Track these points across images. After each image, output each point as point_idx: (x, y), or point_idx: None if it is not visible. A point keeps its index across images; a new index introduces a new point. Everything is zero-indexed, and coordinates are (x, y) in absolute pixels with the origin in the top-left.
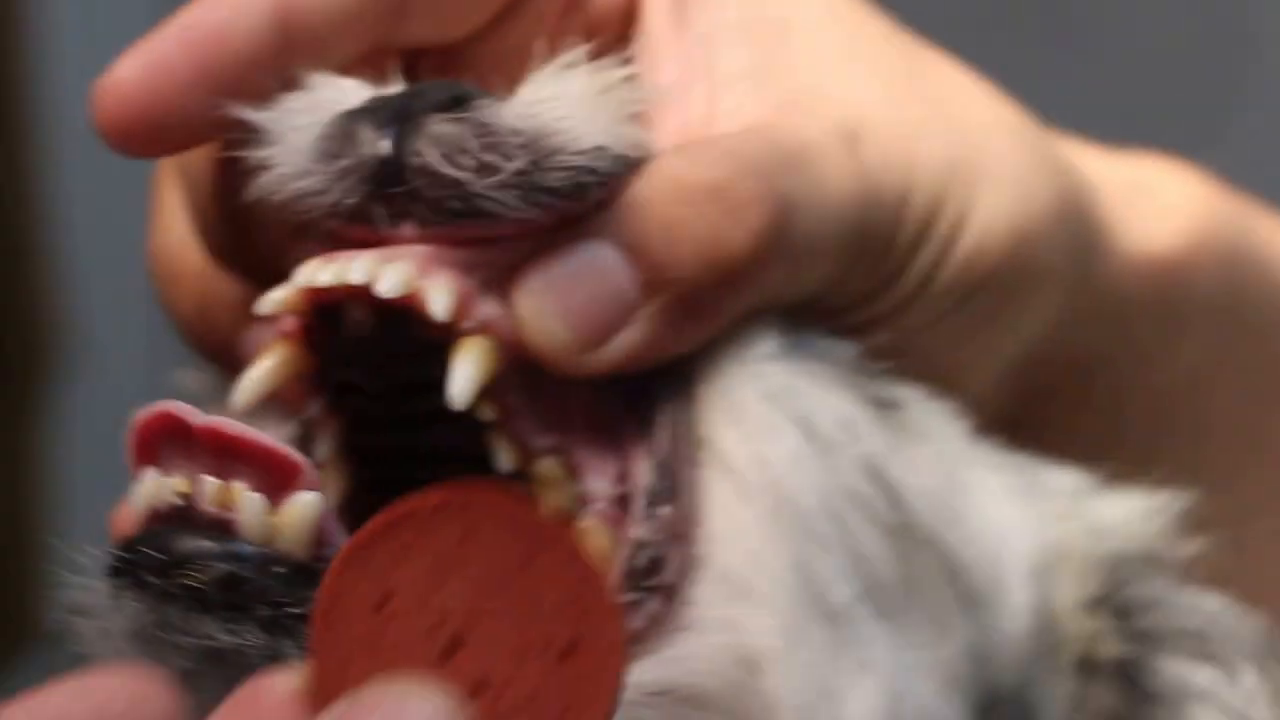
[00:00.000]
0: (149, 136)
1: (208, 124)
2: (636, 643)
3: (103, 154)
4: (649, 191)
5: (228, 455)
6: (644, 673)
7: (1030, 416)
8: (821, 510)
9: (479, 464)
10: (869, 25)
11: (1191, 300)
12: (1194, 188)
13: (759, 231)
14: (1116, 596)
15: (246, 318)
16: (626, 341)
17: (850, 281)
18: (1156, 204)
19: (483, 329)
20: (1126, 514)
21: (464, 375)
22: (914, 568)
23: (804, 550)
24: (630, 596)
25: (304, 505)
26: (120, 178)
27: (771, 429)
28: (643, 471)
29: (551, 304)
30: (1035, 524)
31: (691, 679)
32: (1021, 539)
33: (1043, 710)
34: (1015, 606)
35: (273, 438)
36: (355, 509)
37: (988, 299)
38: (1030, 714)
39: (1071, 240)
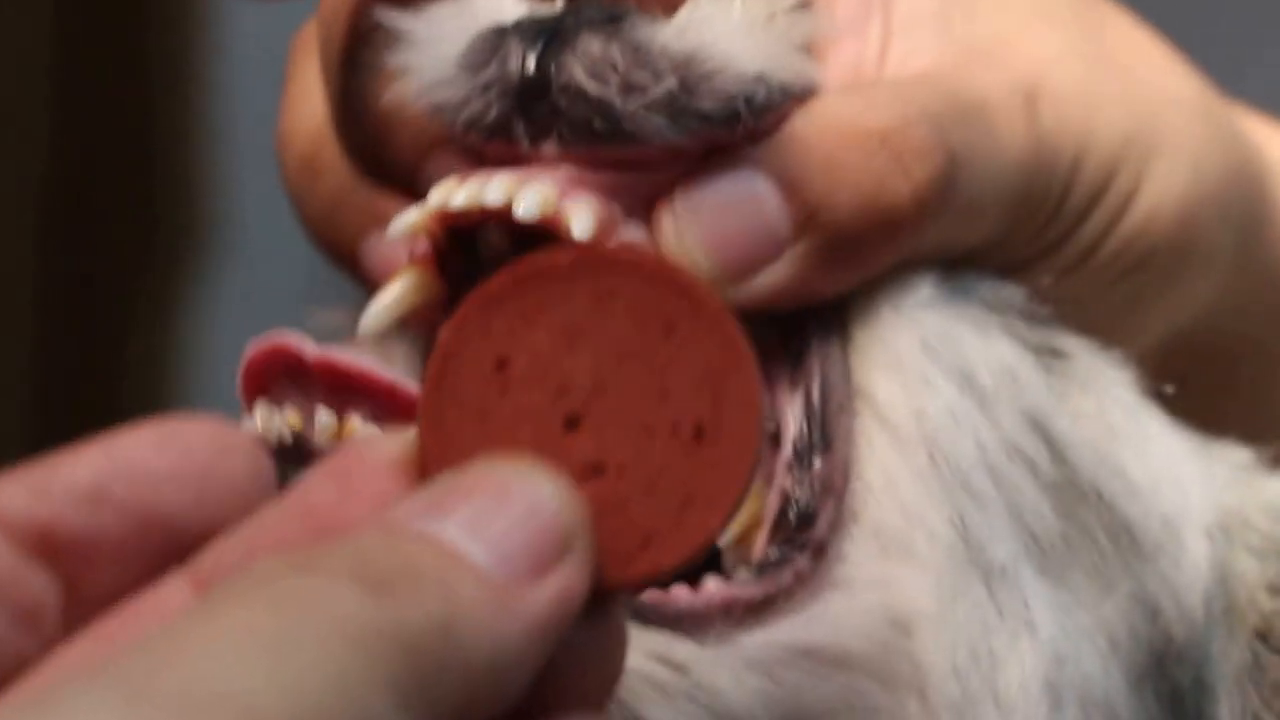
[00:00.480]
0: None
1: None
2: (784, 600)
3: (267, 33)
4: (813, 128)
5: (343, 389)
6: (790, 631)
7: (1172, 397)
8: (980, 465)
9: None
10: None
11: None
12: None
13: (924, 184)
14: None
15: (375, 223)
16: (772, 278)
17: (1013, 243)
18: None
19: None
20: None
21: None
22: (1077, 524)
23: (962, 506)
24: (778, 551)
25: None
26: (283, 58)
27: (929, 380)
28: (793, 418)
29: (696, 230)
30: (1214, 484)
31: (839, 640)
32: (1202, 495)
33: (1216, 670)
34: (1193, 559)
35: (392, 370)
36: None
37: (1151, 274)
38: (1202, 672)
39: (1240, 222)
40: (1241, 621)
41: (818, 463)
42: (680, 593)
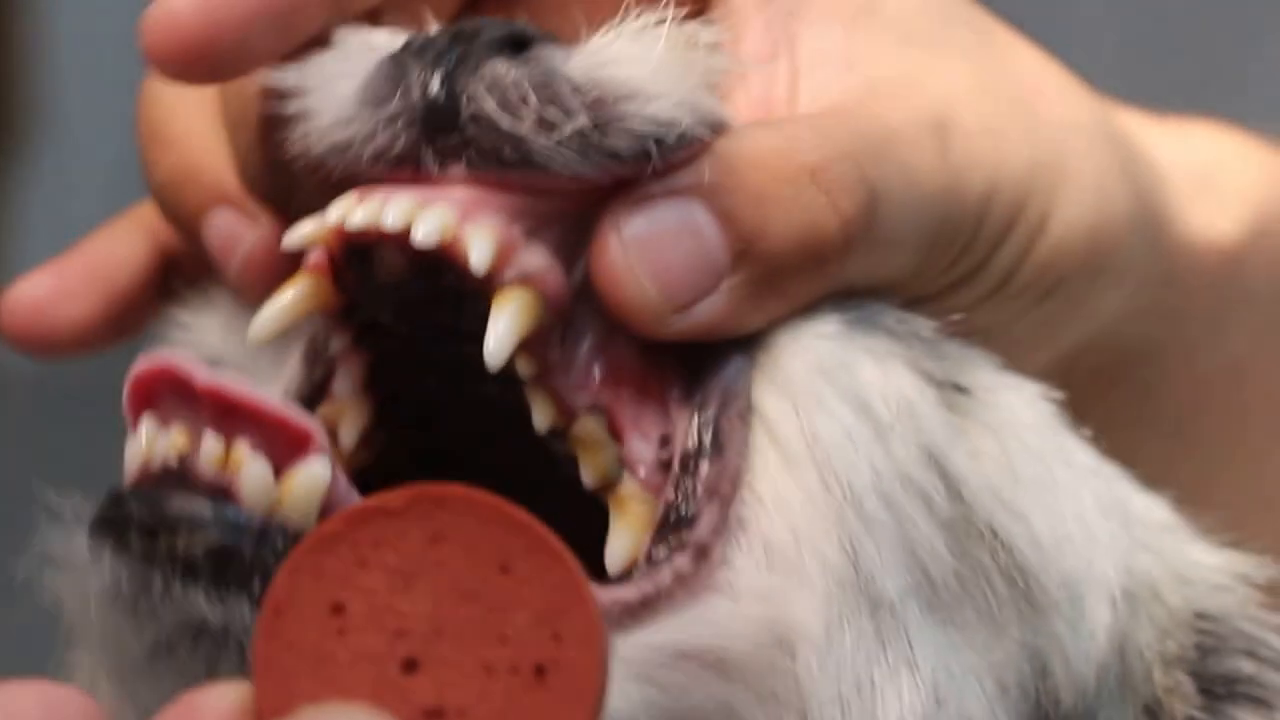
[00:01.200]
0: (204, 66)
1: (266, 55)
2: (664, 601)
3: None
4: (742, 161)
5: (232, 416)
6: (669, 633)
7: (1069, 396)
8: (874, 491)
9: (516, 418)
10: (956, 9)
11: (1244, 289)
12: (1259, 169)
13: (852, 217)
14: (1199, 665)
15: (218, 201)
16: (710, 309)
17: (928, 275)
18: (1221, 193)
19: (524, 280)
20: (1215, 571)
21: (502, 330)
22: (970, 563)
23: (853, 532)
24: (658, 553)
25: (311, 474)
26: None
27: (823, 403)
28: (683, 427)
29: (646, 261)
30: (1125, 547)
31: (719, 644)
32: (1110, 558)
33: None
34: (1091, 626)
35: (282, 400)
36: (374, 447)
37: (1064, 298)
38: None
39: (1144, 241)
40: (1134, 694)
41: (705, 467)
42: None
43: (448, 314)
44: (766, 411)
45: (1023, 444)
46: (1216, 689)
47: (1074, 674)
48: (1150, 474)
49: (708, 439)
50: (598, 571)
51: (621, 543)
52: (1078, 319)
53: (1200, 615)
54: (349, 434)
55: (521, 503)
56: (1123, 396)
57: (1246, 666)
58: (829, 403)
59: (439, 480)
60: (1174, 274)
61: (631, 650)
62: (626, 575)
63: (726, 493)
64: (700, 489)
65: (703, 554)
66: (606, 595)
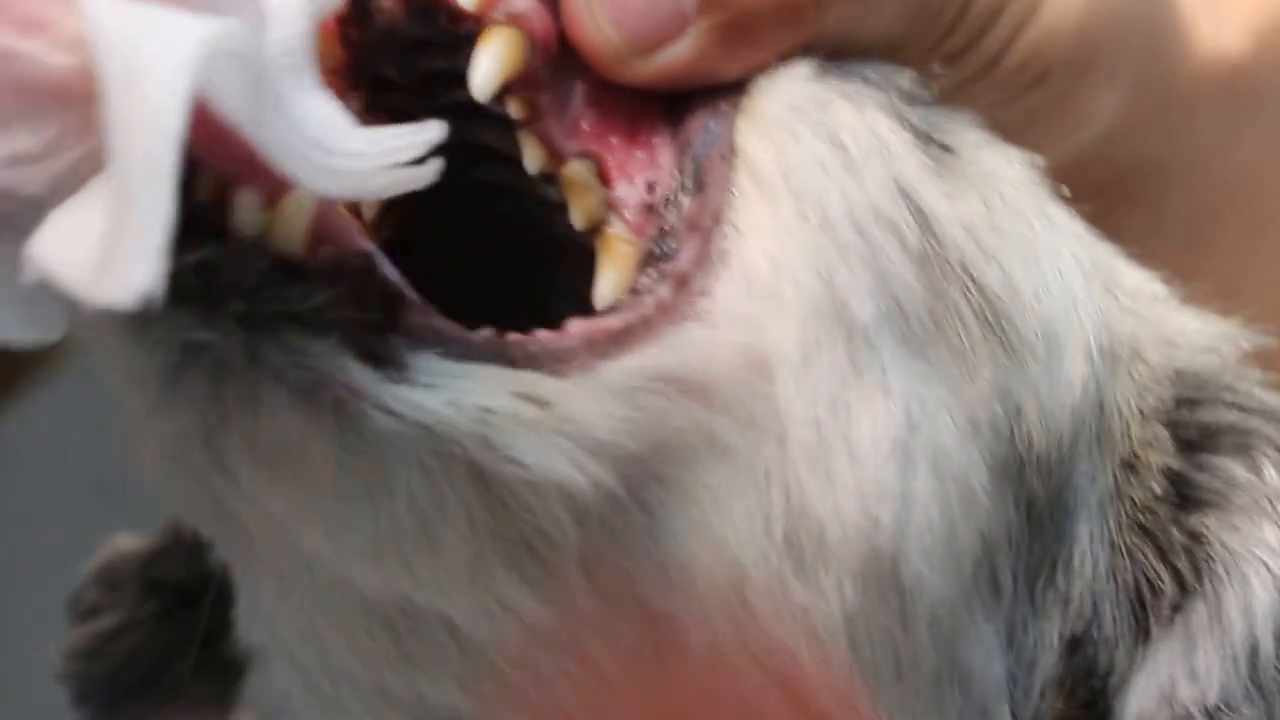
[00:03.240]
0: None
1: None
2: (645, 329)
3: None
4: None
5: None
6: (651, 357)
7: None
8: (846, 220)
9: (512, 163)
10: None
11: (1256, 95)
12: None
13: None
14: (1178, 416)
15: None
16: (675, 55)
17: (915, 45)
18: (1230, 3)
19: (511, 20)
20: (1201, 334)
21: (487, 65)
22: (944, 301)
23: (828, 259)
24: (642, 283)
25: (300, 198)
26: None
27: (796, 137)
28: (665, 165)
29: (607, 2)
30: (1106, 306)
31: (699, 367)
32: (1090, 314)
33: (1075, 488)
34: (1068, 375)
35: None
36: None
37: (1051, 90)
38: (1061, 486)
39: (1143, 38)
40: (1112, 449)
41: (686, 203)
42: (542, 333)
43: (445, 58)
44: (745, 149)
45: (1004, 200)
46: (1196, 438)
47: (1048, 419)
48: (1167, 277)
49: (689, 177)
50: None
51: (608, 280)
52: (1067, 118)
53: (1182, 372)
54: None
55: (520, 249)
56: (1132, 211)
57: (1228, 416)
58: (803, 136)
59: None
60: (1176, 85)
61: (614, 374)
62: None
63: (707, 226)
64: (682, 224)
65: (683, 283)
66: (590, 326)
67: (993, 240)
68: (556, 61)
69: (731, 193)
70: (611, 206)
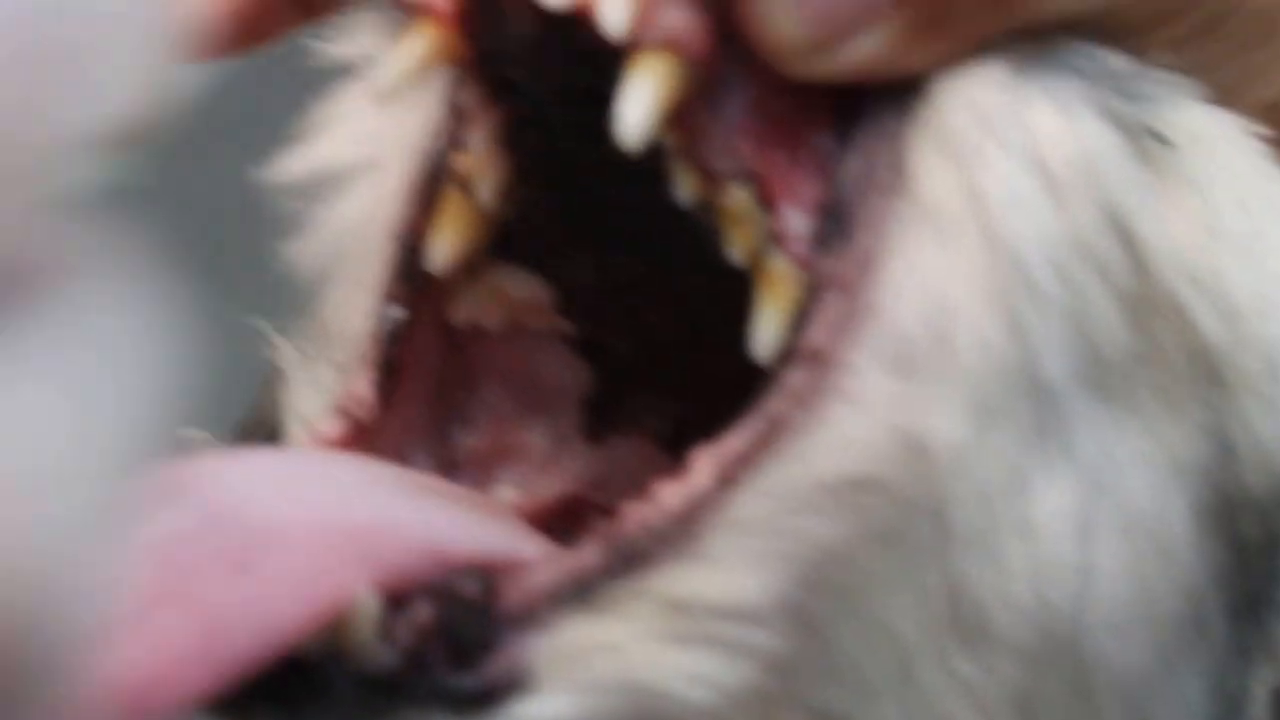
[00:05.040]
0: None
1: None
2: (777, 435)
3: None
4: None
5: None
6: (787, 474)
7: None
8: (1045, 262)
9: (654, 181)
10: None
11: None
12: None
13: None
14: None
15: None
16: (864, 48)
17: (1130, 10)
18: None
19: (667, 43)
20: None
21: (639, 104)
22: (1149, 340)
23: (1018, 309)
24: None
25: None
26: None
27: (987, 159)
28: (806, 204)
29: None
30: None
31: (845, 469)
32: None
33: None
34: None
35: None
36: (516, 203)
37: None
38: (1277, 524)
39: None
40: None
41: (828, 255)
42: (658, 497)
43: (585, 72)
44: (916, 174)
45: (1228, 196)
46: None
47: (1265, 455)
48: None
49: (837, 216)
50: (740, 356)
51: (769, 327)
52: None
53: None
54: (486, 188)
55: (656, 276)
56: None
57: None
58: (995, 158)
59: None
60: None
61: (750, 510)
62: (777, 362)
63: (854, 279)
64: (825, 279)
65: (821, 360)
66: (718, 454)
67: (1211, 253)
68: (717, 70)
69: (893, 232)
70: (774, 238)
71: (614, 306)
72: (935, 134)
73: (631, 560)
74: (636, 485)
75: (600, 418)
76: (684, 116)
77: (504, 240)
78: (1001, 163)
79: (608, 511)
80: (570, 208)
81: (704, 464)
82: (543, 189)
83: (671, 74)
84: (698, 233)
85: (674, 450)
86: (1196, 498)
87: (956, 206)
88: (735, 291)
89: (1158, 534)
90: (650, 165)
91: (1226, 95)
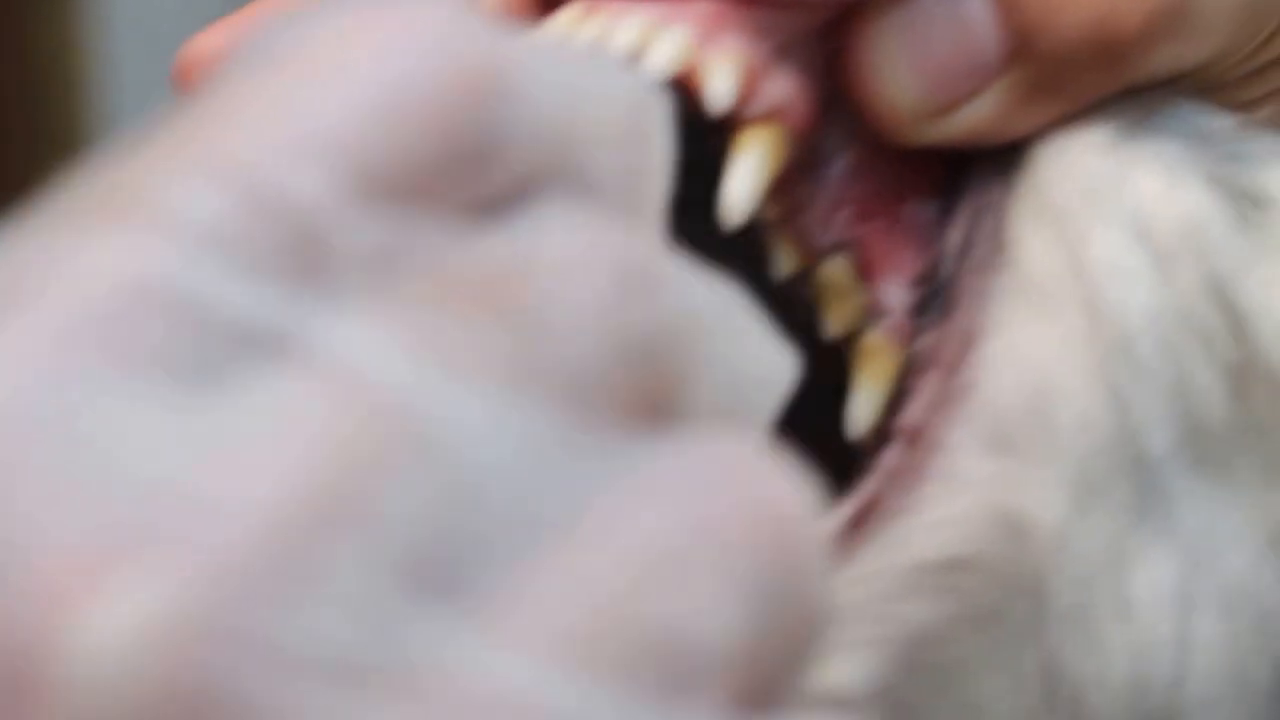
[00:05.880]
0: None
1: None
2: (875, 507)
3: None
4: None
5: None
6: (900, 546)
7: None
8: (1149, 334)
9: (750, 253)
10: None
11: None
12: None
13: (1157, 7)
14: None
15: None
16: (977, 112)
17: (1230, 59)
18: None
19: (771, 115)
20: None
21: (744, 179)
22: (1250, 410)
23: (1120, 382)
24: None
25: None
26: None
27: (1090, 231)
28: (906, 280)
29: (908, 55)
30: None
31: (939, 550)
32: None
33: None
34: None
35: None
36: None
37: None
38: None
39: None
40: None
41: (927, 330)
42: None
43: (681, 144)
44: (1020, 245)
45: None
46: None
47: None
48: None
49: (936, 291)
50: (834, 433)
51: (866, 404)
52: None
53: None
54: None
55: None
56: None
57: None
58: (1098, 229)
59: None
60: None
61: (840, 597)
62: (872, 441)
63: (953, 357)
64: (923, 355)
65: (917, 439)
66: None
67: None
68: (819, 138)
69: (993, 306)
70: (872, 311)
71: None
72: (1037, 203)
73: None
74: None
75: None
76: (785, 188)
77: None
78: (1105, 233)
79: None
80: None
81: None
82: None
83: (775, 146)
84: (794, 306)
85: None
86: None
87: (1058, 279)
88: (833, 368)
89: (1256, 607)
90: (746, 238)
91: None
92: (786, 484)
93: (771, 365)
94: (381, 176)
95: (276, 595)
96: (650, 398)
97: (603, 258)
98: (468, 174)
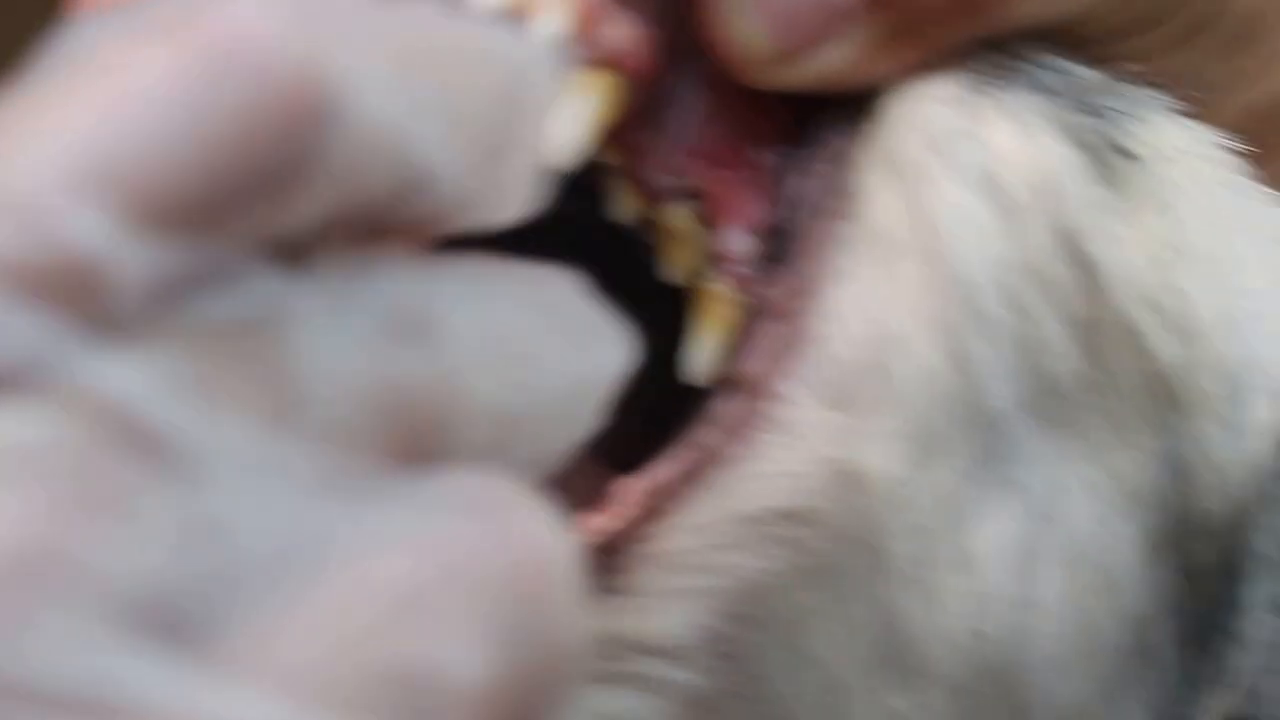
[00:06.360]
0: None
1: None
2: (706, 464)
3: None
4: None
5: None
6: (715, 505)
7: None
8: (994, 288)
9: (590, 196)
10: None
11: None
12: None
13: None
14: None
15: None
16: (830, 58)
17: (1105, 8)
18: None
19: (607, 60)
20: None
21: (575, 122)
22: (1102, 367)
23: (964, 336)
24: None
25: None
26: None
27: (936, 184)
28: (745, 227)
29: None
30: None
31: (776, 502)
32: None
33: (1251, 548)
34: (1251, 425)
35: None
36: None
37: (1267, 52)
38: (1234, 548)
39: None
40: None
41: (768, 279)
42: (581, 527)
43: None
44: (865, 196)
45: (1195, 212)
46: None
47: (1222, 478)
48: None
49: (778, 238)
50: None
51: (704, 352)
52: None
53: None
54: None
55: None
56: None
57: None
58: (944, 180)
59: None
60: None
61: (677, 545)
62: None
63: (794, 308)
64: (763, 305)
65: (756, 391)
66: (646, 485)
67: (1173, 273)
68: (664, 84)
69: (836, 257)
70: (714, 258)
71: None
72: (884, 154)
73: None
74: (573, 498)
75: None
76: (625, 133)
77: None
78: (950, 185)
79: None
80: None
81: (630, 495)
82: None
83: (611, 91)
84: (639, 249)
85: (618, 464)
86: (1146, 525)
87: (902, 231)
88: (681, 311)
89: (1103, 564)
90: (590, 179)
91: (1206, 103)
92: (539, 523)
93: (602, 361)
94: (163, 206)
95: None
96: (413, 443)
97: (369, 309)
98: (269, 202)
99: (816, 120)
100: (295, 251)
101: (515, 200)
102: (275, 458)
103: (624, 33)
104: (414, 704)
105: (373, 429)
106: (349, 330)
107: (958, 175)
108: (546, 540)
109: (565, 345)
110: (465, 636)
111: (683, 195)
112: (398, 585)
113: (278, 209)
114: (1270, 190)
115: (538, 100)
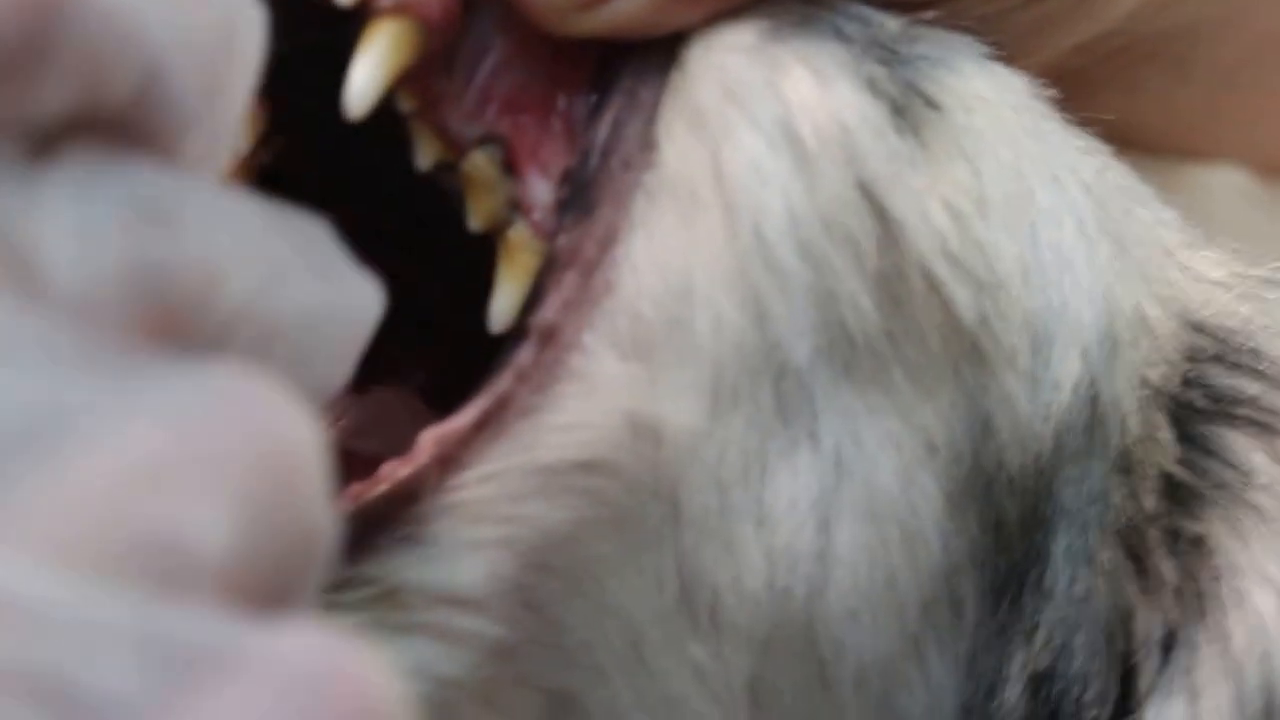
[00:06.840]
0: None
1: None
2: (506, 406)
3: None
4: None
5: None
6: (511, 455)
7: (1086, 75)
8: (788, 239)
9: (400, 144)
10: None
11: None
12: None
13: None
14: (1184, 394)
15: None
16: (626, 5)
17: None
18: None
19: (401, 8)
20: (1225, 282)
21: (367, 69)
22: (902, 320)
23: (759, 288)
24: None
25: None
26: None
27: (731, 133)
28: (549, 177)
29: None
30: (1111, 277)
31: (571, 452)
32: (1089, 295)
33: (1055, 500)
34: (1055, 377)
35: None
36: (273, 150)
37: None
38: (1038, 500)
39: None
40: (1104, 451)
41: (569, 227)
42: (381, 477)
43: (328, 32)
44: (665, 146)
45: (999, 162)
46: (1205, 410)
47: (1025, 431)
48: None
49: (577, 189)
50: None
51: (505, 300)
52: (1091, 14)
53: (1197, 328)
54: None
55: (407, 241)
56: (1154, 67)
57: (1249, 387)
58: (741, 131)
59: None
60: None
61: (473, 497)
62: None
63: (589, 258)
64: (561, 254)
65: (550, 339)
66: (440, 434)
67: (975, 224)
68: (461, 29)
69: (636, 207)
70: (517, 206)
71: (371, 260)
72: (685, 104)
73: (347, 546)
74: (394, 436)
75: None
76: (424, 80)
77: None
78: (747, 136)
79: (369, 462)
80: (325, 161)
81: (427, 445)
82: (297, 141)
83: (405, 38)
84: (444, 197)
85: (440, 404)
86: (949, 479)
87: (700, 181)
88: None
89: (904, 518)
90: (394, 127)
91: (1018, 46)
92: (289, 416)
93: (352, 300)
94: None
95: None
96: (171, 323)
97: (114, 196)
98: (11, 84)
99: (623, 68)
100: (42, 148)
101: (224, 143)
102: (28, 334)
103: None
104: (161, 564)
105: (129, 306)
106: (95, 216)
107: (754, 126)
108: (296, 432)
109: (313, 275)
110: (211, 509)
111: (484, 142)
112: (144, 456)
113: (20, 93)
114: (1089, 132)
115: (245, 50)
